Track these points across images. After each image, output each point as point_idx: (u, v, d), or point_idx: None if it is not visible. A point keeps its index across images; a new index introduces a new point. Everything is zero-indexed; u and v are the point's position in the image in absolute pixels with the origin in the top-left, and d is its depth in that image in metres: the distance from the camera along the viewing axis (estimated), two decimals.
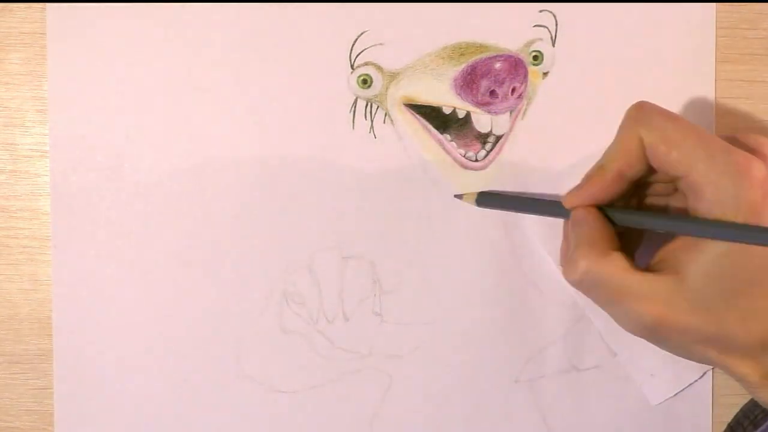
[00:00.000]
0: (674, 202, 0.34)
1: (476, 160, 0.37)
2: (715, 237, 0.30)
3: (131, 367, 0.36)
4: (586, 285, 0.32)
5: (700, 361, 0.32)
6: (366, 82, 0.37)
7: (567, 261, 0.33)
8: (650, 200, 0.35)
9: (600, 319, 0.37)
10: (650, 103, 0.32)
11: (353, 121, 0.37)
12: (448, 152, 0.37)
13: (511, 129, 0.37)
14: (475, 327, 0.38)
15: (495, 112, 0.37)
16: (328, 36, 0.36)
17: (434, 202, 0.37)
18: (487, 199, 0.36)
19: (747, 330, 0.30)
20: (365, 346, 0.37)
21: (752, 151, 0.31)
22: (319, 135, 0.37)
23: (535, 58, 0.37)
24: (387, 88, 0.37)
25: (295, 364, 0.37)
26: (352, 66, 0.37)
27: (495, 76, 0.37)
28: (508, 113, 0.37)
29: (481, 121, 0.37)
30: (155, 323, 0.36)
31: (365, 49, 0.36)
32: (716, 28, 0.38)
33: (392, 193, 0.37)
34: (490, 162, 0.37)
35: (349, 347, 0.37)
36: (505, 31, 0.37)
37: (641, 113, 0.32)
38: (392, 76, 0.37)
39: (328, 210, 0.37)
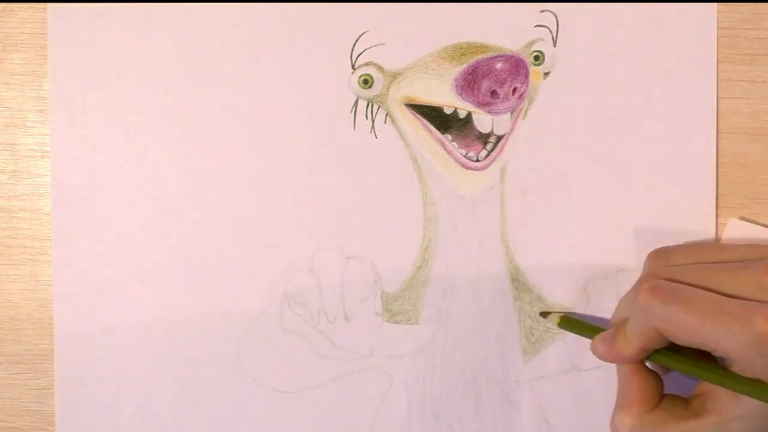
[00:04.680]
0: None
1: (477, 161, 0.37)
2: (752, 396, 0.29)
3: (132, 367, 0.36)
4: None
5: None
6: (367, 82, 0.37)
7: (612, 417, 0.33)
8: None
9: None
10: (656, 287, 0.31)
11: (354, 121, 0.37)
12: (449, 152, 0.37)
13: (512, 129, 0.37)
14: (476, 327, 0.38)
15: (496, 113, 0.37)
16: (329, 36, 0.36)
17: (435, 203, 0.37)
18: (568, 323, 0.36)
19: None
20: (366, 347, 0.37)
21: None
22: (321, 135, 0.37)
23: (536, 58, 0.37)
24: (388, 88, 0.37)
25: (296, 364, 0.37)
26: (353, 66, 0.37)
27: (496, 77, 0.37)
28: (509, 113, 0.37)
29: (482, 121, 0.37)
30: (156, 323, 0.36)
31: (366, 49, 0.36)
32: (717, 28, 0.38)
33: (393, 193, 0.37)
34: (491, 162, 0.37)
35: (350, 347, 0.37)
36: (506, 31, 0.37)
37: (651, 303, 0.31)
38: (393, 76, 0.37)
39: (329, 210, 0.37)
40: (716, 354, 0.30)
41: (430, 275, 0.37)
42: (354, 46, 0.36)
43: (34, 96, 0.36)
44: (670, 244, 0.37)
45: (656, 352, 0.33)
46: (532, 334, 0.38)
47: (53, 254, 0.36)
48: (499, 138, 0.37)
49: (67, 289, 0.36)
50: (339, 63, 0.36)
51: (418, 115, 0.37)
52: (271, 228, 0.37)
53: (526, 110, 0.37)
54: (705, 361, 0.32)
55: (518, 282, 0.38)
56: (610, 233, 0.38)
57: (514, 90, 0.37)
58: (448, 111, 0.37)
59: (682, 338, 0.30)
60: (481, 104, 0.37)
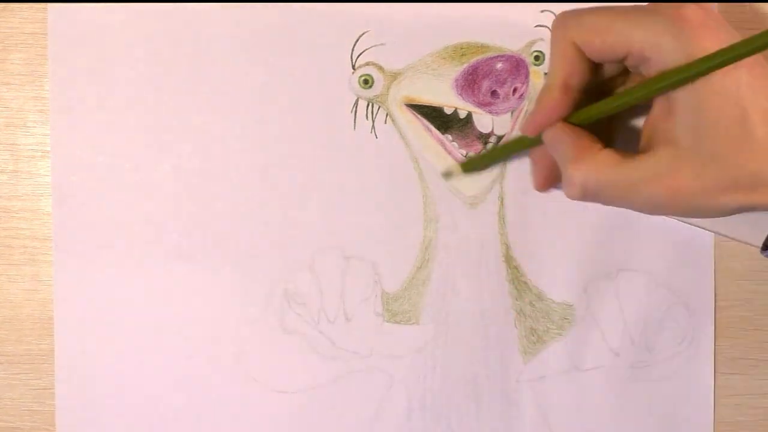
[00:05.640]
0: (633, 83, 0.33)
1: None
2: (675, 83, 0.29)
3: (132, 367, 0.36)
4: (591, 195, 0.31)
5: (734, 212, 0.30)
6: (367, 82, 0.37)
7: (564, 182, 0.32)
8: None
9: None
10: (569, 10, 0.32)
11: (355, 121, 0.37)
12: (449, 152, 0.37)
13: (512, 129, 0.37)
14: (476, 327, 0.38)
15: (496, 113, 0.37)
16: (329, 36, 0.36)
17: (435, 203, 0.37)
18: (471, 166, 0.36)
19: (765, 161, 0.28)
20: (366, 347, 0.37)
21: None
22: (321, 135, 0.37)
23: (537, 58, 0.37)
24: (388, 89, 0.37)
25: (296, 364, 0.37)
26: (353, 66, 0.37)
27: (496, 77, 0.37)
28: (509, 113, 0.37)
29: (483, 121, 0.37)
30: (156, 323, 0.36)
31: (366, 49, 0.36)
32: None
33: (393, 193, 0.37)
34: None
35: (350, 347, 0.37)
36: (507, 31, 0.37)
37: (563, 19, 0.32)
38: (393, 77, 0.37)
39: (330, 210, 0.37)
40: (629, 58, 0.30)
41: (430, 275, 0.37)
42: (354, 46, 0.36)
43: (35, 96, 0.36)
44: (670, 243, 0.37)
45: (576, 113, 0.32)
46: (532, 334, 0.38)
47: (53, 254, 0.36)
48: (500, 138, 0.37)
49: (67, 289, 0.36)
50: (339, 63, 0.36)
51: (419, 115, 0.37)
52: (271, 228, 0.37)
53: (527, 110, 0.37)
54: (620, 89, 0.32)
55: (518, 282, 0.38)
56: (610, 233, 0.38)
57: (515, 90, 0.37)
58: (448, 111, 0.37)
59: (597, 43, 0.30)
60: (481, 104, 0.37)
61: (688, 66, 0.28)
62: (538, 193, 0.37)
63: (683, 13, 0.29)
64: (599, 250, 0.38)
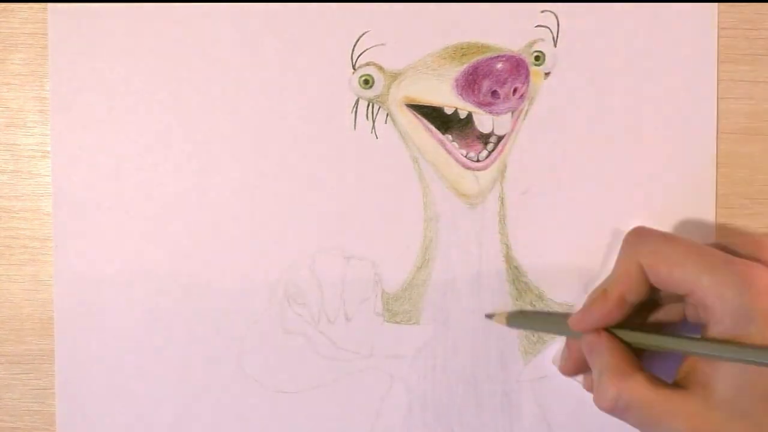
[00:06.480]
0: (689, 317, 0.33)
1: (478, 161, 0.37)
2: (727, 359, 0.29)
3: (132, 367, 0.36)
4: (620, 411, 0.32)
5: None
6: (368, 82, 0.37)
7: (595, 390, 0.32)
8: (663, 316, 0.35)
9: None
10: (647, 228, 0.33)
11: (355, 122, 0.37)
12: (449, 152, 0.37)
13: (512, 129, 0.37)
14: (477, 327, 0.38)
15: (497, 113, 0.37)
16: (329, 36, 0.36)
17: (436, 203, 0.37)
18: (517, 319, 0.37)
19: None
20: (366, 347, 0.37)
21: (754, 252, 0.31)
22: (321, 135, 0.37)
23: (537, 58, 0.37)
24: (389, 89, 0.37)
25: (297, 364, 0.37)
26: (353, 66, 0.37)
27: (497, 77, 0.37)
28: (509, 114, 0.37)
29: (483, 121, 0.37)
30: (157, 323, 0.36)
31: (367, 49, 0.36)
32: (718, 29, 0.38)
33: (394, 193, 0.37)
34: (492, 162, 0.37)
35: (351, 348, 0.37)
36: (507, 31, 0.37)
37: (638, 238, 0.32)
38: (394, 77, 0.37)
39: (330, 210, 0.37)
40: (691, 297, 0.30)
41: (430, 275, 0.37)
42: (354, 46, 0.36)
43: (35, 96, 0.36)
44: None
45: (623, 331, 0.33)
46: (533, 334, 0.38)
47: (53, 254, 0.36)
48: (500, 138, 0.37)
49: (67, 289, 0.36)
50: (340, 63, 0.36)
51: (419, 116, 0.37)
52: (272, 228, 0.37)
53: (527, 110, 0.37)
54: (672, 334, 0.32)
55: (519, 282, 0.38)
56: (611, 233, 0.38)
57: (515, 90, 0.37)
58: (448, 111, 0.37)
59: (663, 274, 0.31)
60: (481, 104, 0.37)
61: (747, 350, 0.28)
62: (538, 193, 0.37)
63: (752, 273, 0.29)
64: (599, 250, 0.38)
